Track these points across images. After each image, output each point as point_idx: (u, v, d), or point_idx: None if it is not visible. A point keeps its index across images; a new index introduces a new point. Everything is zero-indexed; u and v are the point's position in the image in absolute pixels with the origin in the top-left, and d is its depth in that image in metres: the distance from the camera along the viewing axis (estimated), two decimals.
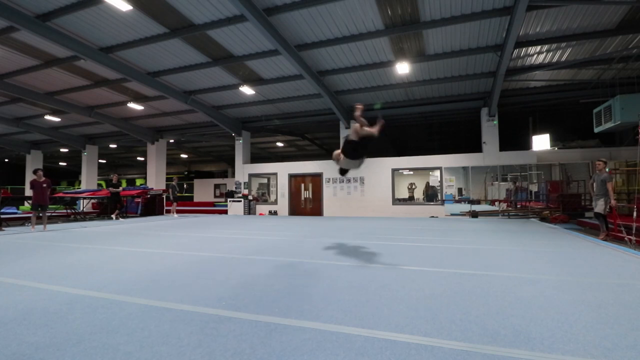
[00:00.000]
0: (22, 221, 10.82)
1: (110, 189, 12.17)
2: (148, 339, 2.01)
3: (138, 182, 29.39)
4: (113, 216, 11.90)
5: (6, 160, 26.52)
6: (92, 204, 15.82)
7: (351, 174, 14.31)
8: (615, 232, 7.20)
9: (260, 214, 15.69)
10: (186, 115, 15.89)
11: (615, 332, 2.08)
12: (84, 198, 13.78)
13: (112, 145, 21.01)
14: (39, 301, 2.70)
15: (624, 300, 2.68)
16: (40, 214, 8.42)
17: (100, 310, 2.48)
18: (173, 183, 13.94)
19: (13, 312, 2.46)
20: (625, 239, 6.31)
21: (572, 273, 3.58)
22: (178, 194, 13.97)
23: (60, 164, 30.19)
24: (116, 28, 8.82)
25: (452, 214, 13.07)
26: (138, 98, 13.70)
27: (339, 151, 4.77)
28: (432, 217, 12.80)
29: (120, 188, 12.62)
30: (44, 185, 8.30)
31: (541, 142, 13.90)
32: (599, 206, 7.30)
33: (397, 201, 14.02)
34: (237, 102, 14.19)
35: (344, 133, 14.61)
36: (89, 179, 19.73)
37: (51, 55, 10.23)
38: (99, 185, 22.78)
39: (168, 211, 14.32)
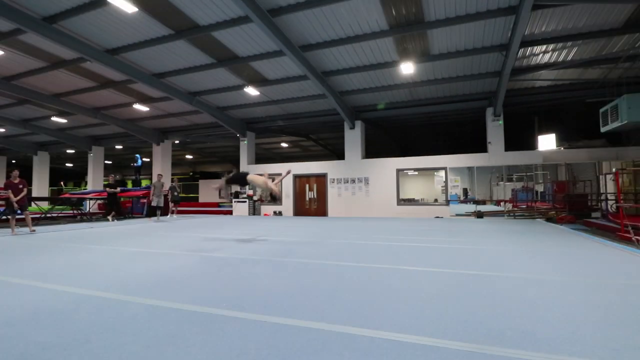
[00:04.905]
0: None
1: (107, 189, 12.05)
2: (154, 339, 2.02)
3: (143, 183, 29.52)
4: (109, 217, 11.65)
5: (13, 161, 26.77)
6: (98, 204, 15.93)
7: (356, 173, 14.30)
8: (623, 232, 7.13)
9: (265, 215, 15.72)
10: (191, 116, 15.96)
11: (623, 333, 2.05)
12: (90, 199, 13.85)
13: (118, 147, 21.15)
14: (45, 301, 2.72)
15: (631, 301, 2.65)
16: (16, 217, 7.86)
17: (107, 311, 2.49)
18: (173, 184, 14.00)
19: (20, 312, 2.48)
20: (633, 239, 6.24)
21: (578, 274, 3.55)
22: (180, 194, 14.01)
23: (67, 165, 30.46)
24: (122, 30, 8.89)
25: (457, 215, 13.00)
26: (143, 99, 13.77)
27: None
28: (437, 217, 12.75)
29: (118, 189, 12.48)
30: (20, 186, 7.88)
31: (547, 142, 13.76)
32: None
33: (402, 202, 13.98)
34: (241, 103, 14.22)
35: (348, 133, 14.61)
36: (95, 180, 19.87)
37: (57, 57, 10.33)
38: (105, 186, 22.86)
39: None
